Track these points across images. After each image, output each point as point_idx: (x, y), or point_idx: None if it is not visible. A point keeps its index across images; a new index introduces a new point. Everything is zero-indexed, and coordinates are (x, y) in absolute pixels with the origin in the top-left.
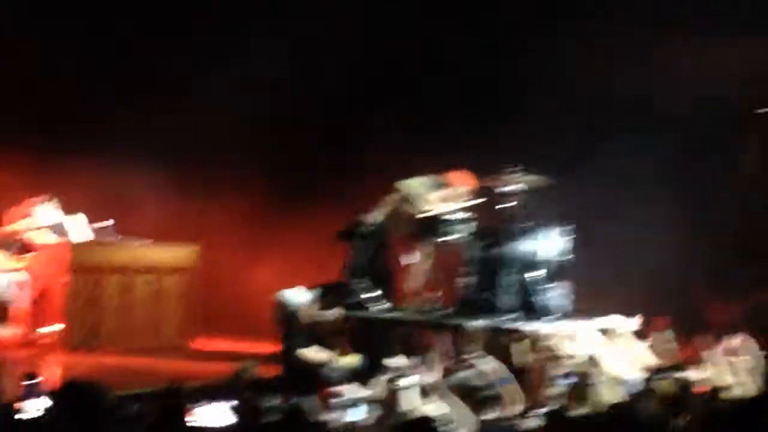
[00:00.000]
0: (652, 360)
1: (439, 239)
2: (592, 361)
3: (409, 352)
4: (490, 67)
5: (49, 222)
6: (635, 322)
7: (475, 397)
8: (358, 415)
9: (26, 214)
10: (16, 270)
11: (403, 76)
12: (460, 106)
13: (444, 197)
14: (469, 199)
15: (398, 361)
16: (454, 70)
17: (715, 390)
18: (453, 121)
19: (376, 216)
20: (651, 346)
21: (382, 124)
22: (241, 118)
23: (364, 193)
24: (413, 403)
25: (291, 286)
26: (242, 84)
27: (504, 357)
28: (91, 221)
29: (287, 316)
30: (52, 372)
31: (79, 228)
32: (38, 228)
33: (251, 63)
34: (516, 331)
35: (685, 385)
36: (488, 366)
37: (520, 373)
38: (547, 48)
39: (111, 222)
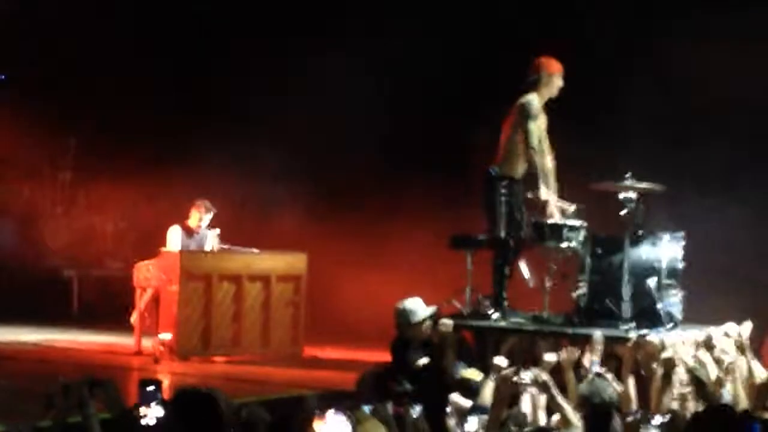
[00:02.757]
0: None
1: (557, 246)
2: (717, 367)
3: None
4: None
5: (207, 222)
6: (748, 328)
7: (598, 406)
8: (473, 425)
9: (196, 211)
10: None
11: (500, 84)
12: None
13: (559, 206)
14: (582, 207)
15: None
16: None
17: None
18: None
19: None
20: None
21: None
22: (349, 127)
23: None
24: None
25: (402, 294)
26: (353, 91)
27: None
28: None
29: (406, 325)
30: (165, 379)
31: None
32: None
33: (368, 66)
34: (639, 339)
35: None
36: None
37: (642, 381)
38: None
39: (217, 231)
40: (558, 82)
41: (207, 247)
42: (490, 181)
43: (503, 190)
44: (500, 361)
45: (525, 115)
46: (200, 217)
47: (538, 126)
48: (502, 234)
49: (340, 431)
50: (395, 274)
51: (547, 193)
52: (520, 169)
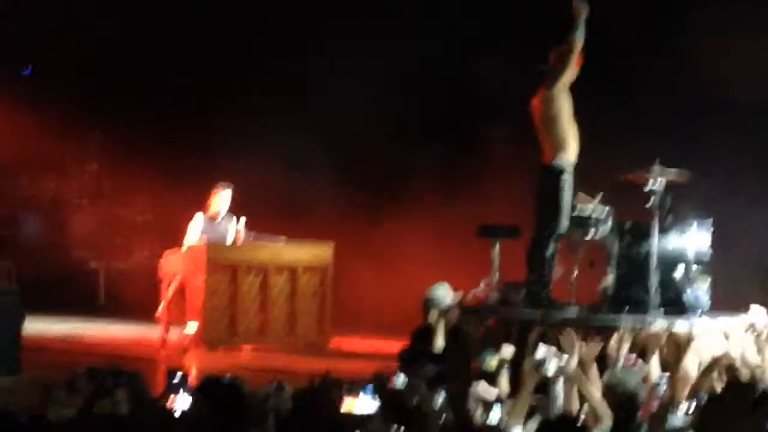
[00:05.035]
0: None
1: (586, 236)
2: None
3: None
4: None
5: (225, 207)
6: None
7: (623, 396)
8: (497, 414)
9: (215, 195)
10: None
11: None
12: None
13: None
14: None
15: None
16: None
17: None
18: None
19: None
20: None
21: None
22: (375, 118)
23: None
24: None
25: (427, 284)
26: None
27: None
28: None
29: (434, 313)
30: (191, 369)
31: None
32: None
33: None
34: (667, 327)
35: None
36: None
37: (668, 370)
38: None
39: (243, 219)
40: (574, 75)
41: (229, 233)
42: (553, 175)
43: (565, 185)
44: (507, 350)
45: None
46: (219, 201)
47: (567, 105)
48: (564, 229)
49: (369, 407)
50: (421, 264)
51: None
52: (574, 151)
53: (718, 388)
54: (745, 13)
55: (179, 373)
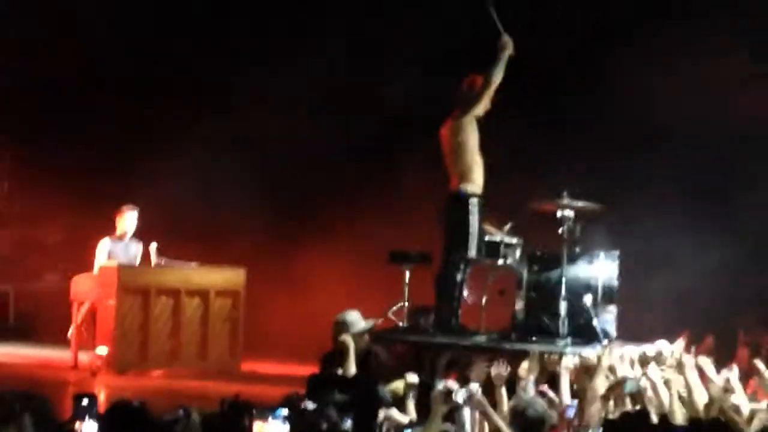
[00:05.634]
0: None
1: (495, 263)
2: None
3: (458, 378)
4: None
5: (132, 229)
6: (680, 346)
7: (529, 421)
8: None
9: (121, 216)
10: None
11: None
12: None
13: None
14: (516, 225)
15: (449, 383)
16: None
17: None
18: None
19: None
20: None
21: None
22: (290, 143)
23: (412, 215)
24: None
25: (338, 310)
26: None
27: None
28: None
29: (345, 338)
30: (101, 393)
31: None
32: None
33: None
34: (575, 355)
35: None
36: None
37: (578, 396)
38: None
39: (155, 245)
40: (488, 104)
41: (134, 254)
42: (460, 201)
43: (474, 209)
44: (412, 377)
45: (468, 107)
46: (125, 222)
47: (475, 135)
48: (473, 254)
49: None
50: (333, 289)
51: None
52: (480, 180)
53: (616, 413)
54: (668, 48)
55: (87, 398)
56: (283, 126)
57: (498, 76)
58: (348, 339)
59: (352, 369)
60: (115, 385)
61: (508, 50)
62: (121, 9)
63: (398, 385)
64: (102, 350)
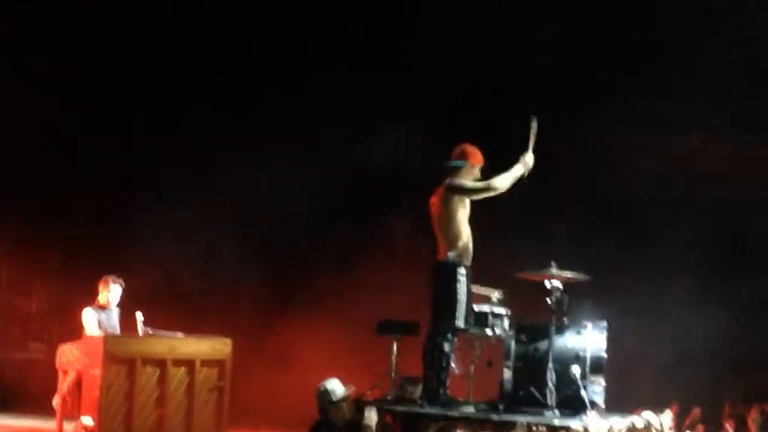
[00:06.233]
0: None
1: (484, 333)
2: None
3: None
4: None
5: (116, 300)
6: (668, 417)
7: None
8: None
9: (106, 287)
10: None
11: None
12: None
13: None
14: (506, 295)
15: None
16: None
17: None
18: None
19: None
20: None
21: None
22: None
23: (401, 283)
24: None
25: (324, 377)
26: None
27: None
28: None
29: (327, 406)
30: None
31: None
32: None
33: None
34: (563, 426)
35: None
36: None
37: None
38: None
39: (140, 314)
40: (477, 174)
41: (116, 322)
42: (448, 270)
43: (462, 278)
44: None
45: (459, 188)
46: (108, 292)
47: (464, 205)
48: (461, 324)
49: None
50: (320, 359)
51: None
52: (470, 251)
53: None
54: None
55: None
56: (271, 196)
57: (502, 187)
58: (329, 408)
59: None
60: None
61: (526, 170)
62: (100, 72)
63: None
64: (87, 420)
